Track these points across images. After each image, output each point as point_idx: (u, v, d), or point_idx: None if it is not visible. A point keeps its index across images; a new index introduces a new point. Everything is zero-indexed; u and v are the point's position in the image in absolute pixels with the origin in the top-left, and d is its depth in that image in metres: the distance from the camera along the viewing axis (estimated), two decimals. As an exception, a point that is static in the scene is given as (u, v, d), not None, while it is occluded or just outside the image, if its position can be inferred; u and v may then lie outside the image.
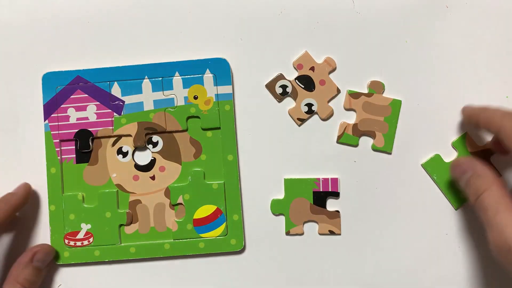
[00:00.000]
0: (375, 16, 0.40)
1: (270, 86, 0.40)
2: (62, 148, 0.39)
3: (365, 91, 0.39)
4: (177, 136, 0.39)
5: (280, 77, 0.40)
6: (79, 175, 0.39)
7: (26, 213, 0.39)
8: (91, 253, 0.38)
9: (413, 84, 0.39)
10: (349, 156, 0.39)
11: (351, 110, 0.40)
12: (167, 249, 0.38)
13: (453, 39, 0.40)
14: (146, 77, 0.39)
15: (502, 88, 0.39)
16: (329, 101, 0.40)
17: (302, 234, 0.39)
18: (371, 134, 0.39)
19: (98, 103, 0.39)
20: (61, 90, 0.39)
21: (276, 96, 0.40)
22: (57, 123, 0.39)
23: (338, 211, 0.39)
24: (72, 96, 0.39)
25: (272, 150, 0.39)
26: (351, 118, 0.40)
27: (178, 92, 0.39)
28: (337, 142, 0.40)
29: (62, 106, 0.39)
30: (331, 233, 0.39)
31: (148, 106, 0.39)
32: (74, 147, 0.39)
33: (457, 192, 0.39)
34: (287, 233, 0.39)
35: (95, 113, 0.39)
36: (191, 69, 0.39)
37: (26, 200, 0.38)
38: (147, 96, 0.39)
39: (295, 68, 0.40)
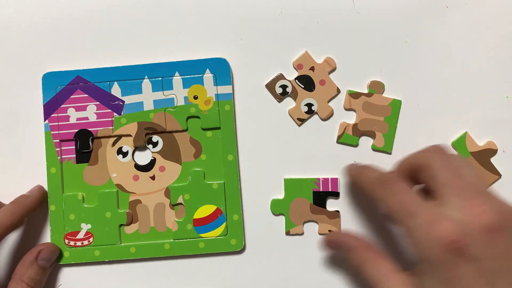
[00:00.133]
0: (375, 16, 0.40)
1: (270, 86, 0.40)
2: (62, 148, 0.39)
3: (365, 91, 0.39)
4: (177, 136, 0.39)
5: (280, 77, 0.40)
6: (79, 175, 0.39)
7: (26, 213, 0.39)
8: (91, 253, 0.38)
9: (413, 84, 0.39)
10: (349, 156, 0.39)
11: (351, 110, 0.40)
12: (167, 249, 0.38)
13: (453, 39, 0.40)
14: (146, 77, 0.39)
15: (502, 88, 0.40)
16: (329, 101, 0.40)
17: (302, 234, 0.39)
18: (371, 134, 0.39)
19: (98, 103, 0.39)
20: (61, 90, 0.39)
21: (276, 96, 0.40)
22: (57, 123, 0.39)
23: (338, 211, 0.39)
24: (72, 96, 0.39)
25: (272, 150, 0.39)
26: (351, 118, 0.40)
27: (178, 92, 0.39)
28: (337, 142, 0.40)
29: (62, 106, 0.39)
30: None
31: (148, 106, 0.39)
32: (74, 147, 0.39)
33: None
34: (287, 233, 0.39)
35: (95, 113, 0.39)
36: (191, 69, 0.39)
37: (40, 203, 0.38)
38: (147, 96, 0.39)
39: (295, 68, 0.40)
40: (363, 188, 0.34)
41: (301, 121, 0.40)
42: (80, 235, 0.38)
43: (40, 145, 0.39)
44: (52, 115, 0.39)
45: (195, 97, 0.39)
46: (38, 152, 0.39)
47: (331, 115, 0.40)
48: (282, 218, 0.39)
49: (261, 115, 0.40)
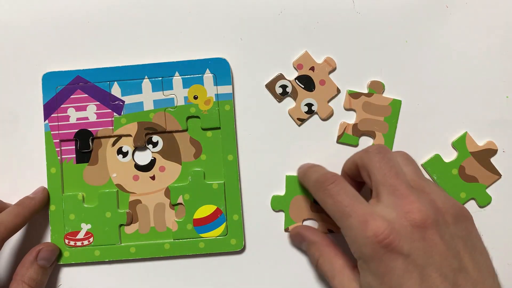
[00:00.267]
0: (375, 16, 0.40)
1: (270, 86, 0.40)
2: (62, 148, 0.39)
3: (365, 91, 0.39)
4: (177, 136, 0.39)
5: (280, 77, 0.40)
6: (79, 175, 0.39)
7: (26, 213, 0.39)
8: (91, 253, 0.38)
9: (413, 84, 0.39)
10: (349, 156, 0.39)
11: (351, 110, 0.40)
12: (167, 249, 0.38)
13: (453, 39, 0.40)
14: (146, 77, 0.39)
15: (502, 88, 0.40)
16: (329, 101, 0.40)
17: None
18: (371, 134, 0.39)
19: (98, 103, 0.39)
20: (61, 90, 0.39)
21: (276, 96, 0.40)
22: (57, 123, 0.39)
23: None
24: (72, 96, 0.39)
25: (272, 150, 0.39)
26: (351, 118, 0.40)
27: (178, 92, 0.39)
28: (337, 142, 0.40)
29: (62, 106, 0.39)
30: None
31: (148, 106, 0.39)
32: (74, 147, 0.39)
33: (457, 191, 0.39)
34: (286, 230, 0.39)
35: (95, 113, 0.39)
36: (191, 69, 0.39)
37: (44, 205, 0.38)
38: (147, 96, 0.39)
39: (295, 68, 0.40)
40: (308, 189, 0.35)
41: (301, 121, 0.40)
42: (80, 235, 0.38)
43: (40, 145, 0.39)
44: (52, 115, 0.39)
45: (195, 97, 0.39)
46: (38, 152, 0.39)
47: (331, 115, 0.40)
48: (282, 219, 0.39)
49: (261, 115, 0.40)
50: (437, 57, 0.39)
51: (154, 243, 0.39)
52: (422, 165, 0.39)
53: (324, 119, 0.40)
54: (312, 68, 0.39)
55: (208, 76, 0.39)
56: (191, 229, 0.38)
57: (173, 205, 0.39)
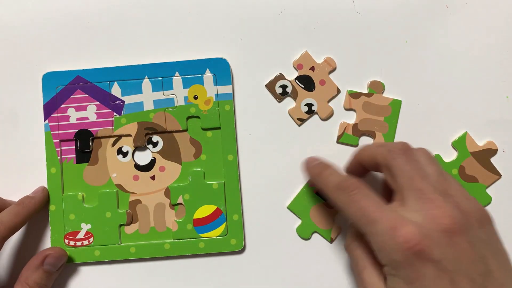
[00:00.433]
0: (375, 16, 0.40)
1: (270, 86, 0.40)
2: (62, 148, 0.39)
3: (365, 91, 0.39)
4: (177, 136, 0.39)
5: (280, 77, 0.40)
6: (79, 175, 0.39)
7: (26, 213, 0.39)
8: (91, 253, 0.38)
9: (413, 84, 0.39)
10: (349, 156, 0.39)
11: (351, 110, 0.40)
12: (167, 249, 0.38)
13: (453, 39, 0.40)
14: (146, 77, 0.39)
15: (502, 88, 0.40)
16: (329, 101, 0.40)
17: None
18: (371, 134, 0.39)
19: (98, 103, 0.39)
20: (61, 90, 0.39)
21: (276, 96, 0.40)
22: (57, 123, 0.39)
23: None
24: (72, 96, 0.39)
25: (272, 150, 0.39)
26: (351, 118, 0.40)
27: (178, 92, 0.39)
28: (337, 142, 0.40)
29: (62, 106, 0.39)
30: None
31: (148, 106, 0.39)
32: (74, 147, 0.39)
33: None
34: (331, 241, 0.39)
35: (95, 113, 0.39)
36: (191, 69, 0.39)
37: (44, 204, 0.38)
38: (147, 96, 0.39)
39: (295, 68, 0.40)
40: (324, 192, 0.34)
41: (301, 121, 0.40)
42: (80, 235, 0.38)
43: (40, 145, 0.39)
44: (52, 115, 0.39)
45: (195, 97, 0.39)
46: (38, 152, 0.39)
47: (331, 115, 0.40)
48: (282, 218, 0.39)
49: (261, 115, 0.40)
50: (437, 57, 0.39)
51: (154, 243, 0.39)
52: (422, 165, 0.39)
53: (324, 119, 0.40)
54: (312, 68, 0.39)
55: (208, 76, 0.39)
56: (191, 229, 0.38)
57: (173, 205, 0.39)
